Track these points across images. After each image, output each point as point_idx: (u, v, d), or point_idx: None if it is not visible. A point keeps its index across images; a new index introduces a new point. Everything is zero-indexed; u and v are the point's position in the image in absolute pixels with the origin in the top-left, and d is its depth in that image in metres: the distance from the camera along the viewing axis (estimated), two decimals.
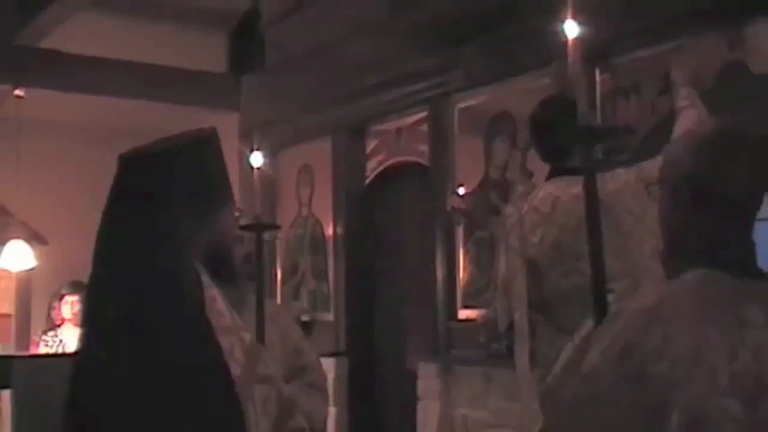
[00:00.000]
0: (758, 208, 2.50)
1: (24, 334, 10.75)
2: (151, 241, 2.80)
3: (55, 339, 9.53)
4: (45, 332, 9.80)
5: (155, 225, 2.82)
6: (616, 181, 4.65)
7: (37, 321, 11.21)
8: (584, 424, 2.34)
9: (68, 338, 9.30)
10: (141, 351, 2.71)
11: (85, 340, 2.95)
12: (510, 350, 5.25)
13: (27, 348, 10.31)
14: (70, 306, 9.55)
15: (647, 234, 4.28)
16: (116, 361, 2.74)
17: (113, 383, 2.74)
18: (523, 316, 4.88)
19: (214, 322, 2.75)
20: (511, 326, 5.09)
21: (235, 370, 2.72)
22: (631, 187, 4.62)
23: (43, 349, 9.54)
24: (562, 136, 4.65)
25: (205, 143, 3.06)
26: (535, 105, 5.10)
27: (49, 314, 10.68)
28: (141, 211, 2.84)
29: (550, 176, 4.96)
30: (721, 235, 2.44)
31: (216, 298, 2.82)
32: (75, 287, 9.55)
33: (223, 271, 3.07)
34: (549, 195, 4.84)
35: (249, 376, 2.77)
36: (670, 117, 5.92)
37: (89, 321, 2.97)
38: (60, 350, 9.20)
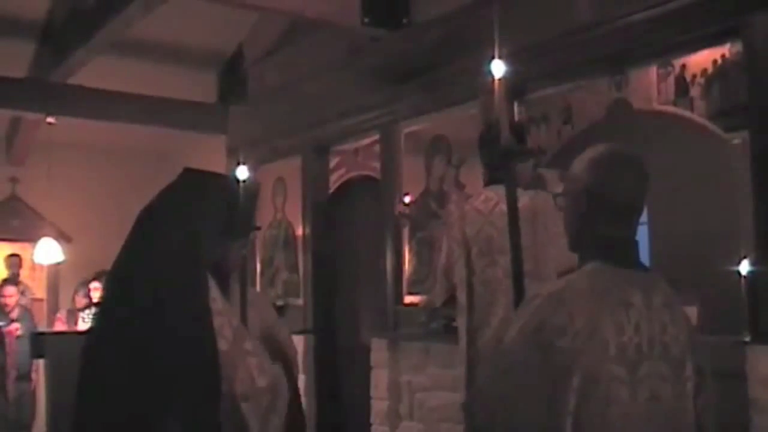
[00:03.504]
0: (640, 215, 2.54)
1: (53, 315, 10.70)
2: (179, 245, 2.82)
3: (91, 316, 9.53)
4: (82, 310, 9.82)
5: (186, 232, 2.85)
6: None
7: (64, 304, 11.16)
8: (503, 387, 2.37)
9: None
10: (150, 325, 2.71)
11: (103, 314, 2.95)
12: (445, 328, 5.29)
13: (54, 324, 10.28)
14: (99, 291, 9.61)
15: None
16: (128, 333, 2.74)
17: (124, 351, 2.73)
18: (462, 293, 4.93)
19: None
20: (446, 302, 5.15)
21: (223, 345, 2.74)
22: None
23: (81, 325, 9.54)
24: (496, 152, 4.70)
25: (248, 193, 3.15)
26: (480, 127, 5.15)
27: (73, 298, 10.66)
28: (179, 221, 2.88)
29: (489, 183, 5.00)
30: (611, 235, 2.48)
31: (212, 287, 2.84)
32: (100, 275, 9.57)
33: (221, 276, 3.09)
34: (489, 199, 4.87)
35: (236, 350, 2.78)
36: (571, 141, 6.02)
37: (109, 300, 2.96)
38: None
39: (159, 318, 2.70)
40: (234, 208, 3.06)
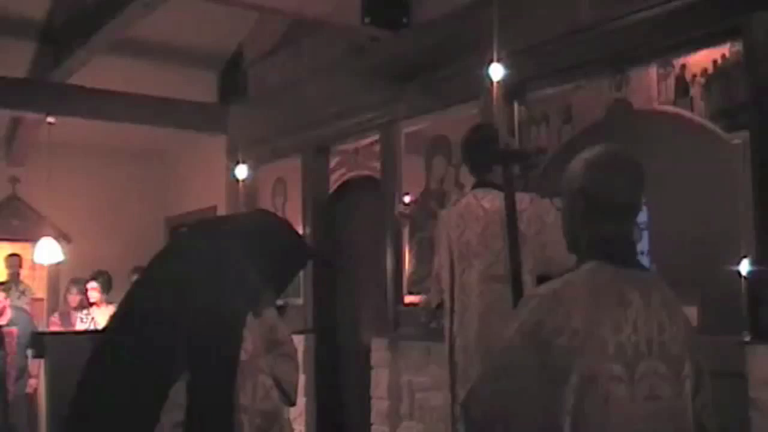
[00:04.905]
0: (637, 214, 2.56)
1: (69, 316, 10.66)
2: (235, 281, 2.98)
3: (88, 317, 9.50)
4: (80, 310, 9.77)
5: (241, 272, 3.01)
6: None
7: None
8: (501, 386, 2.38)
9: (99, 317, 9.28)
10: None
11: (127, 313, 3.00)
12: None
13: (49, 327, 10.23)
14: (96, 291, 9.57)
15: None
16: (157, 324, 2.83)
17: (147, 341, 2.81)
18: (447, 296, 5.01)
19: None
20: (438, 305, 5.23)
21: (242, 356, 2.83)
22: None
23: (79, 325, 9.50)
24: (484, 155, 4.76)
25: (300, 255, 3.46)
26: (466, 130, 5.17)
27: (65, 297, 10.63)
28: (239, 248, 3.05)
29: (474, 187, 5.04)
30: (608, 235, 2.49)
31: None
32: (96, 275, 9.54)
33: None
34: (469, 204, 4.94)
35: (252, 364, 2.86)
36: (571, 141, 6.03)
37: (139, 315, 3.01)
38: (92, 327, 9.18)
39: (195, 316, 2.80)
40: (274, 273, 3.25)
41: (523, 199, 4.60)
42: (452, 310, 4.97)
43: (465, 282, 4.88)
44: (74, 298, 10.21)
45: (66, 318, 10.09)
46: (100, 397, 2.82)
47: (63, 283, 11.32)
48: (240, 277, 2.98)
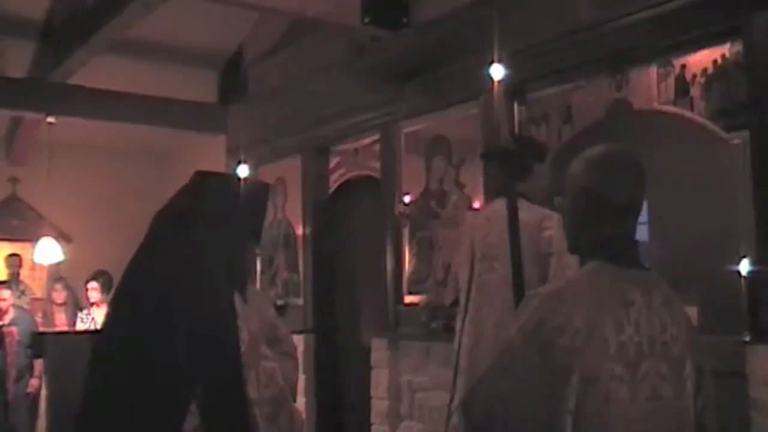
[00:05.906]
0: (639, 214, 2.55)
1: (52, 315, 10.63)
2: (199, 246, 2.92)
3: (88, 317, 9.48)
4: (80, 311, 9.76)
5: (207, 234, 2.96)
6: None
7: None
8: (502, 386, 2.37)
9: (99, 317, 9.26)
10: (170, 326, 2.76)
11: (116, 318, 2.97)
12: (446, 328, 5.36)
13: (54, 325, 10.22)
14: (96, 291, 9.54)
15: None
16: (146, 333, 2.79)
17: (141, 351, 2.77)
18: (462, 295, 5.05)
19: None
20: (452, 303, 5.28)
21: (241, 348, 2.81)
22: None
23: (79, 325, 9.48)
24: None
25: (258, 194, 3.33)
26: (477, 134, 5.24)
27: (49, 294, 10.63)
28: (198, 223, 2.98)
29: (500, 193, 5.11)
30: (610, 235, 2.48)
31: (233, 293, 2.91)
32: (97, 275, 9.52)
33: (239, 278, 3.13)
34: (496, 210, 4.99)
35: (252, 354, 2.84)
36: (571, 141, 6.03)
37: (123, 304, 2.98)
38: (92, 327, 9.16)
39: (182, 320, 2.76)
40: (252, 211, 3.14)
41: (551, 217, 4.64)
42: (465, 310, 5.01)
43: (483, 283, 4.94)
44: (58, 295, 10.23)
45: (49, 317, 10.09)
46: (117, 411, 2.79)
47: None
48: (222, 265, 2.91)
